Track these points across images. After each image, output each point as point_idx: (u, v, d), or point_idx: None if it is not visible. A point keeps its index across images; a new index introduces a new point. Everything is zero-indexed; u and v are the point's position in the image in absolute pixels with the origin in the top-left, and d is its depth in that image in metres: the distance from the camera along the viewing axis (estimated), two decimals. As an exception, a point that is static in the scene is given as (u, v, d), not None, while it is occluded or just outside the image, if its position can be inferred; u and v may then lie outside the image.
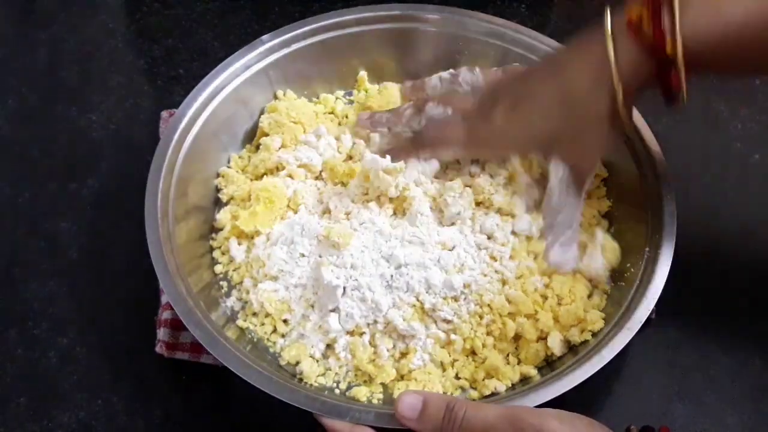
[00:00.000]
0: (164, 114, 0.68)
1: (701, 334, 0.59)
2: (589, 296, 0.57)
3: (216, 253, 0.60)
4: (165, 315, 0.57)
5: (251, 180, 0.62)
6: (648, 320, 0.52)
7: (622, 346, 0.51)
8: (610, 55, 0.51)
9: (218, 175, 0.63)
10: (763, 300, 0.61)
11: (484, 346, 0.54)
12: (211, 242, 0.60)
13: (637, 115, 0.60)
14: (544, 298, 0.56)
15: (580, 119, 0.54)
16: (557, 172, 0.56)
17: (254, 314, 0.56)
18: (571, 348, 0.55)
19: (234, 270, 0.59)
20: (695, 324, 0.60)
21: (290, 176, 0.61)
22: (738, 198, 0.66)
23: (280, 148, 0.63)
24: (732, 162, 0.68)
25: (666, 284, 0.53)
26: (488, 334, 0.55)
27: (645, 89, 0.52)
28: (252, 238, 0.59)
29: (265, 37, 0.65)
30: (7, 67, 0.74)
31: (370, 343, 0.54)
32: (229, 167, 0.63)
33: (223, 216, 0.60)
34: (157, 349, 0.56)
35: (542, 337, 0.55)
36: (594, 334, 0.54)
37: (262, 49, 0.64)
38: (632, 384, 0.57)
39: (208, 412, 0.55)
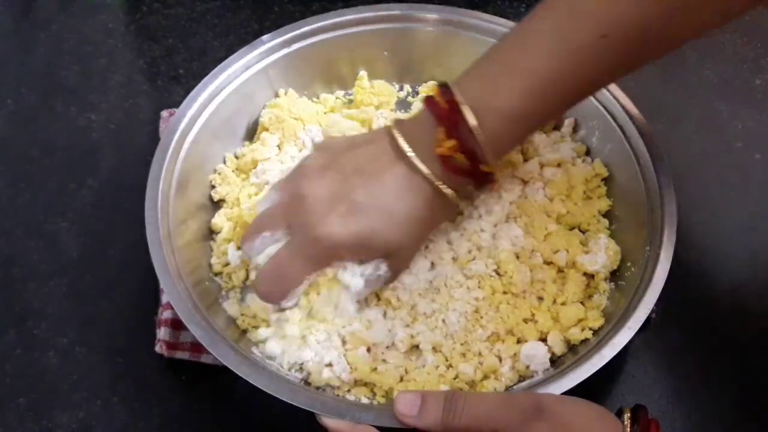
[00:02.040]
0: (164, 114, 0.68)
1: (701, 333, 0.59)
2: (590, 297, 0.57)
3: (213, 257, 0.59)
4: (165, 315, 0.57)
5: (242, 180, 0.62)
6: (648, 320, 0.52)
7: (623, 345, 0.51)
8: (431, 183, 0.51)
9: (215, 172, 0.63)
10: (764, 300, 0.61)
11: (480, 354, 0.54)
12: (210, 243, 0.60)
13: (637, 115, 0.61)
14: (541, 299, 0.56)
15: (421, 228, 0.53)
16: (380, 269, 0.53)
17: (253, 317, 0.56)
18: (572, 348, 0.55)
19: (232, 273, 0.58)
20: (695, 324, 0.60)
21: None
22: (739, 197, 0.66)
23: (278, 144, 0.63)
24: (732, 162, 0.68)
25: (666, 284, 0.53)
26: (486, 339, 0.55)
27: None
28: None
29: (265, 37, 0.65)
30: (6, 66, 0.74)
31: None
32: (225, 165, 0.63)
33: (218, 220, 0.60)
34: (157, 348, 0.56)
35: (542, 338, 0.55)
36: (594, 333, 0.54)
37: (262, 49, 0.64)
38: (632, 384, 0.57)
39: (207, 412, 0.55)
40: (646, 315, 0.52)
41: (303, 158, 0.55)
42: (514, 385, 0.53)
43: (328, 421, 0.48)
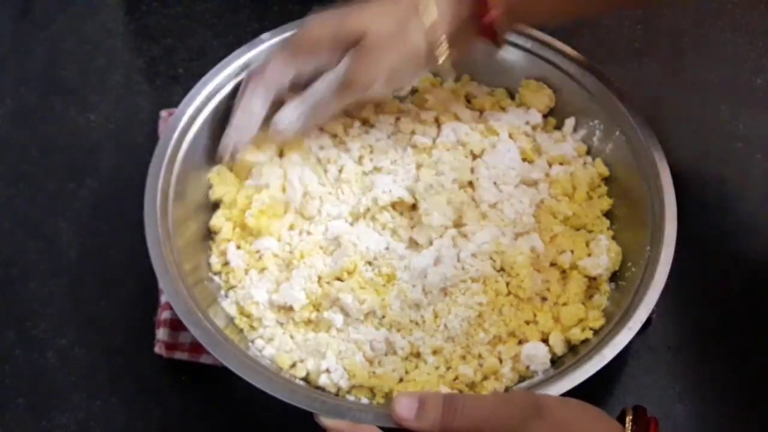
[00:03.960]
0: (163, 113, 0.68)
1: (702, 333, 0.59)
2: (590, 297, 0.57)
3: (213, 257, 0.59)
4: (164, 315, 0.57)
5: (240, 181, 0.62)
6: (649, 320, 0.52)
7: (623, 346, 0.51)
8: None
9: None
10: (764, 300, 0.60)
11: (480, 356, 0.54)
12: (210, 243, 0.60)
13: (638, 114, 0.60)
14: (543, 299, 0.56)
15: (401, 34, 0.56)
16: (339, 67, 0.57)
17: (248, 317, 0.56)
18: (572, 348, 0.55)
19: (230, 272, 0.58)
20: (696, 324, 0.59)
21: None
22: (739, 198, 0.66)
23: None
24: (733, 162, 0.68)
25: (667, 284, 0.53)
26: (488, 342, 0.55)
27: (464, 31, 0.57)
28: (256, 236, 0.58)
29: (264, 35, 0.65)
30: (6, 66, 0.74)
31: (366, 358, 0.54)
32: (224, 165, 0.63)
33: (216, 221, 0.60)
34: (156, 349, 0.56)
35: (544, 339, 0.55)
36: (595, 333, 0.54)
37: (261, 47, 0.64)
38: (633, 384, 0.57)
39: (207, 412, 0.55)
40: (647, 315, 0.52)
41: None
42: (515, 385, 0.53)
43: (327, 421, 0.48)
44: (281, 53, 0.58)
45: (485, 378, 0.54)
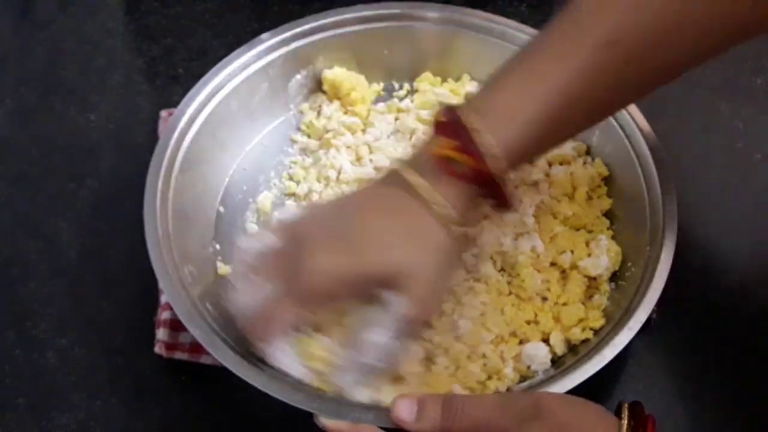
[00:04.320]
0: (163, 113, 0.68)
1: (702, 334, 0.59)
2: (590, 297, 0.57)
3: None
4: (164, 315, 0.57)
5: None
6: (649, 320, 0.52)
7: (623, 346, 0.51)
8: (433, 199, 0.47)
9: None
10: (764, 300, 0.60)
11: (485, 355, 0.54)
12: (212, 242, 0.60)
13: (638, 114, 0.61)
14: (544, 299, 0.56)
15: (428, 251, 0.48)
16: (396, 306, 0.47)
17: None
18: (572, 348, 0.55)
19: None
20: (696, 324, 0.59)
21: None
22: (740, 198, 0.66)
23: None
24: (733, 162, 0.68)
25: (667, 284, 0.53)
26: (491, 342, 0.55)
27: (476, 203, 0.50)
28: None
29: (264, 35, 0.65)
30: (6, 66, 0.74)
31: None
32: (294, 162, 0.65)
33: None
34: (156, 349, 0.56)
35: (545, 339, 0.55)
36: (595, 332, 0.54)
37: (261, 47, 0.64)
38: (633, 384, 0.57)
39: (207, 412, 0.55)
40: (647, 315, 0.52)
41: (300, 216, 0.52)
42: (516, 385, 0.53)
43: (327, 421, 0.48)
44: (281, 305, 0.48)
45: (489, 378, 0.54)
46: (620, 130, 0.61)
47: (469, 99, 0.50)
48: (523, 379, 0.54)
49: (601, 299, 0.57)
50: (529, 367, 0.54)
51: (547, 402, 0.45)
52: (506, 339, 0.55)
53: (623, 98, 0.54)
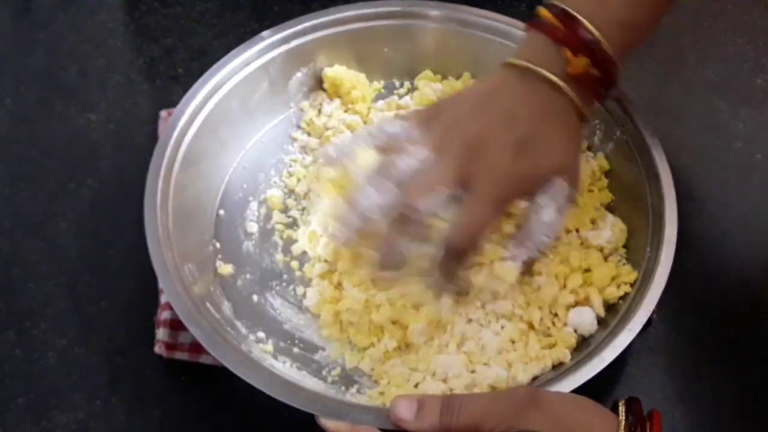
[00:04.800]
0: (163, 113, 0.68)
1: (702, 335, 0.59)
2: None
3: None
4: (164, 315, 0.57)
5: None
6: (649, 321, 0.52)
7: (623, 347, 0.51)
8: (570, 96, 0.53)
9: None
10: (764, 299, 0.60)
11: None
12: (213, 241, 0.60)
13: (638, 114, 0.61)
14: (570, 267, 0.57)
15: (578, 145, 0.56)
16: (561, 190, 0.53)
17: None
18: (611, 307, 0.56)
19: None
20: (696, 325, 0.59)
21: None
22: (740, 198, 0.66)
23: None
24: (733, 161, 0.68)
25: (667, 285, 0.53)
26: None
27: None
28: None
29: (264, 33, 0.65)
30: (5, 66, 0.74)
31: None
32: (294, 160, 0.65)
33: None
34: (156, 349, 0.56)
35: (580, 302, 0.56)
36: (631, 286, 0.55)
37: (261, 45, 0.64)
38: (633, 385, 0.57)
39: (207, 412, 0.55)
40: (647, 316, 0.52)
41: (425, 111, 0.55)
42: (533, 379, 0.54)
43: (327, 422, 0.48)
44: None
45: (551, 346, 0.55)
46: (620, 131, 0.61)
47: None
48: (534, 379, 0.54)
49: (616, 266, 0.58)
50: (576, 330, 0.55)
51: (545, 395, 0.46)
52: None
53: None
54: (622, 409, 0.45)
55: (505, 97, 0.53)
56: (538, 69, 0.52)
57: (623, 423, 0.44)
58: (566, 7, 0.52)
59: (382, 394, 0.53)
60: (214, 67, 0.63)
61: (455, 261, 0.52)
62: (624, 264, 0.57)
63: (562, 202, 0.53)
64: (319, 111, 0.67)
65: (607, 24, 0.52)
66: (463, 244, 0.51)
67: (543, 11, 0.53)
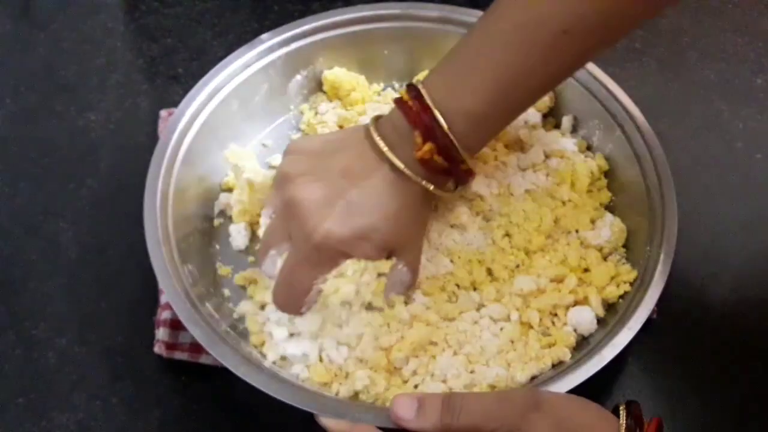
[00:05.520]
0: (163, 113, 0.68)
1: (702, 334, 0.59)
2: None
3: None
4: (164, 315, 0.57)
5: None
6: (649, 320, 0.52)
7: (623, 346, 0.51)
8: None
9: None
10: (764, 299, 0.60)
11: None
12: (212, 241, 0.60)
13: (638, 114, 0.61)
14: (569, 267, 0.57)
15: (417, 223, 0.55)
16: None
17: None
18: (610, 307, 0.56)
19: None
20: (695, 324, 0.59)
21: None
22: (740, 198, 0.66)
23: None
24: (733, 161, 0.68)
25: (666, 284, 0.53)
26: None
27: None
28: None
29: (264, 35, 0.65)
30: (5, 66, 0.74)
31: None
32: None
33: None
34: (156, 349, 0.56)
35: (579, 301, 0.56)
36: (631, 285, 0.55)
37: (261, 47, 0.64)
38: (632, 384, 0.57)
39: (207, 412, 0.55)
40: (647, 315, 0.52)
41: (280, 164, 0.54)
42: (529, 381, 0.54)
43: (327, 421, 0.48)
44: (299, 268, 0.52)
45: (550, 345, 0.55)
46: (620, 130, 0.61)
47: (428, 81, 0.52)
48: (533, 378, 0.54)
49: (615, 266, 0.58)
50: (575, 330, 0.55)
51: (546, 397, 0.46)
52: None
53: (573, 71, 0.56)
54: (622, 413, 0.45)
55: (346, 161, 0.52)
56: (386, 151, 0.51)
57: (623, 425, 0.44)
58: (421, 89, 0.51)
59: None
60: (215, 69, 0.63)
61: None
62: (623, 263, 0.57)
63: (397, 280, 0.54)
64: (316, 113, 0.67)
65: (453, 112, 0.50)
66: (278, 301, 0.53)
67: (403, 90, 0.52)
